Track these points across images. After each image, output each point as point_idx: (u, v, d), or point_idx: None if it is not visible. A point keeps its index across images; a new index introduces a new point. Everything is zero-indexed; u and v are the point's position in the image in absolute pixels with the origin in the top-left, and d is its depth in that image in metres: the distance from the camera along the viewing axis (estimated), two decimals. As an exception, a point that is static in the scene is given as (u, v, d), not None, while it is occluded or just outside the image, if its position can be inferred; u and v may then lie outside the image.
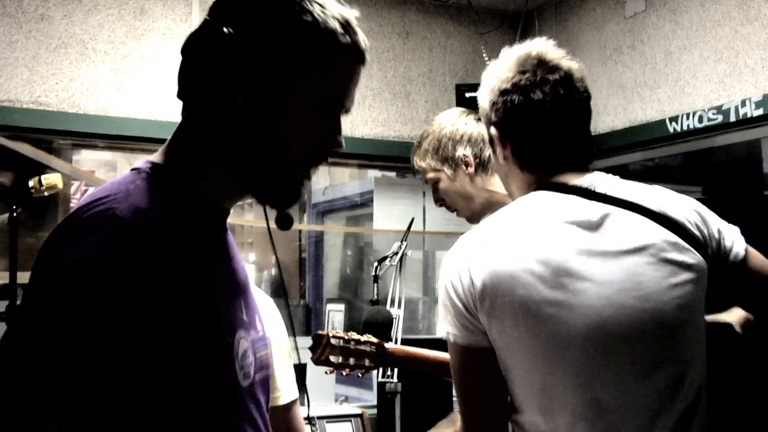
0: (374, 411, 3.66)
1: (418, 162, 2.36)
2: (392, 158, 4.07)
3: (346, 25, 1.26)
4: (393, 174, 4.53)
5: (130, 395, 1.11)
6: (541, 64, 1.69)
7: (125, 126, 3.50)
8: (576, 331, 1.56)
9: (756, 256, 1.74)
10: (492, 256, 1.60)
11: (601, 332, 1.57)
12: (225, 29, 1.21)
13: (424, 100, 4.10)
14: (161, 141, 3.50)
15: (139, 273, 1.10)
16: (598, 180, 1.69)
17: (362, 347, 2.38)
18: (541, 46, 1.73)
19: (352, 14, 1.28)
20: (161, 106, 3.53)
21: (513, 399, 1.64)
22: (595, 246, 1.61)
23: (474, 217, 2.36)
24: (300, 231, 5.70)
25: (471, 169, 2.21)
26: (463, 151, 2.22)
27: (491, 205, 2.35)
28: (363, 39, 1.29)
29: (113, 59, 3.47)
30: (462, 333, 1.64)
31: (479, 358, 1.64)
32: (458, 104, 3.65)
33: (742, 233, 1.73)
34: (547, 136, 1.70)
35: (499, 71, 1.73)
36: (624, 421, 1.57)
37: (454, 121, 2.26)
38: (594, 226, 1.63)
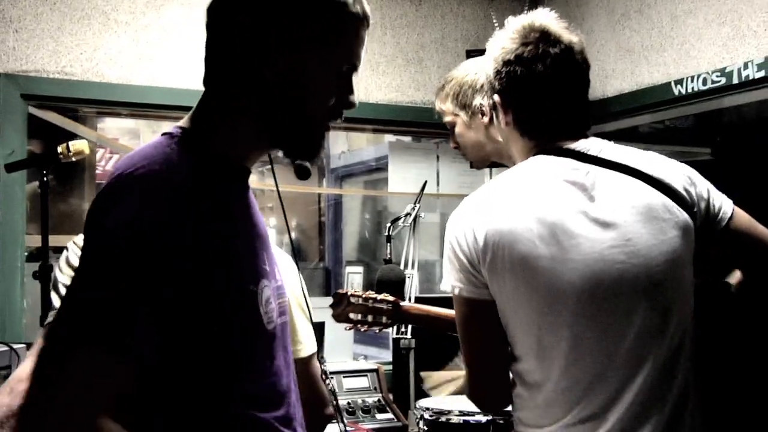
0: (389, 367, 3.78)
1: (439, 104, 2.42)
2: (406, 123, 4.12)
3: None
4: (408, 138, 4.59)
5: (167, 334, 1.23)
6: (544, 37, 1.78)
7: (147, 94, 3.57)
8: (569, 283, 1.66)
9: (743, 216, 1.83)
10: (494, 215, 1.70)
11: (592, 285, 1.66)
12: (245, 3, 1.34)
13: (436, 66, 4.13)
14: (181, 108, 3.62)
15: (179, 226, 1.23)
16: (592, 144, 1.79)
17: (379, 305, 2.48)
18: (544, 18, 1.82)
19: None
20: (181, 74, 3.60)
21: (512, 348, 1.75)
22: (588, 205, 1.70)
23: (478, 163, 2.45)
24: (319, 195, 5.79)
25: (486, 119, 2.26)
26: (480, 101, 2.27)
27: (498, 157, 2.42)
28: (367, 5, 1.41)
29: (134, 29, 3.54)
30: (466, 286, 1.75)
31: (482, 310, 1.75)
32: (468, 70, 3.73)
33: (750, 194, 1.83)
34: (547, 106, 1.80)
35: (503, 42, 1.82)
36: (611, 366, 1.66)
37: (477, 70, 2.29)
38: (588, 187, 1.72)
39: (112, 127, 4.62)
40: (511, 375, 1.79)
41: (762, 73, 3.05)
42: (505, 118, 1.84)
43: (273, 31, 1.33)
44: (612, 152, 1.78)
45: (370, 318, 2.48)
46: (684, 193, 1.75)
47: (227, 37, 1.37)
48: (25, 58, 3.35)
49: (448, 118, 2.40)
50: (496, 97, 1.84)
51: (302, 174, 1.47)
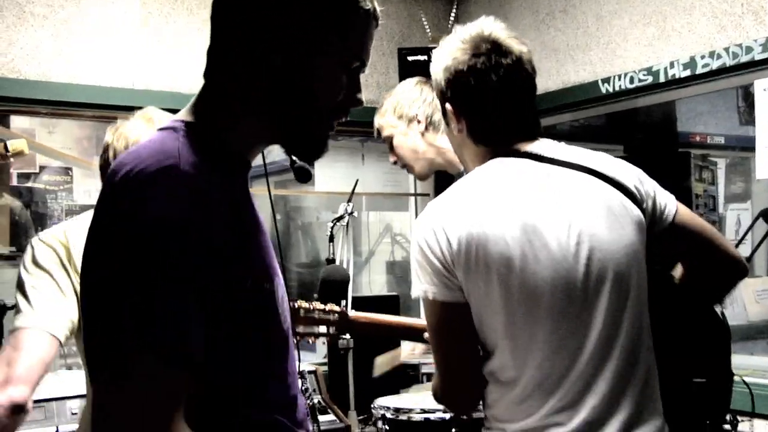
0: (325, 368, 3.79)
1: (378, 120, 2.56)
2: None
3: None
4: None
5: (201, 335, 1.18)
6: (495, 48, 1.82)
7: (67, 92, 3.47)
8: (542, 280, 1.70)
9: (686, 212, 1.92)
10: (465, 217, 1.72)
11: (563, 280, 1.70)
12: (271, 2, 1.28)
13: None
14: (103, 107, 3.48)
15: (207, 222, 1.18)
16: (547, 146, 1.84)
17: (326, 316, 2.45)
18: (494, 28, 1.85)
19: None
20: (103, 71, 3.51)
21: (485, 347, 1.77)
22: (553, 205, 1.74)
23: (423, 175, 2.57)
24: (270, 192, 5.69)
25: (422, 126, 2.42)
26: (415, 111, 2.45)
27: (440, 164, 2.56)
28: (377, 3, 1.39)
29: (52, 23, 3.43)
30: (440, 290, 1.75)
31: (456, 313, 1.76)
32: (401, 67, 3.75)
33: (664, 187, 1.91)
34: (500, 114, 1.84)
35: (455, 52, 1.84)
36: (583, 357, 1.71)
37: (411, 87, 2.52)
38: (550, 187, 1.76)
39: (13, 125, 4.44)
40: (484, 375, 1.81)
41: (687, 72, 3.20)
42: (458, 126, 1.87)
43: (286, 21, 1.30)
44: (566, 153, 1.84)
45: (317, 330, 2.46)
46: (635, 191, 1.81)
47: (237, 27, 1.33)
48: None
49: (386, 133, 2.53)
50: (449, 106, 1.86)
51: (303, 176, 1.44)
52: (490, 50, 1.81)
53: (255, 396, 1.34)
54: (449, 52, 1.86)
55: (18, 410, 1.80)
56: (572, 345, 1.71)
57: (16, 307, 1.95)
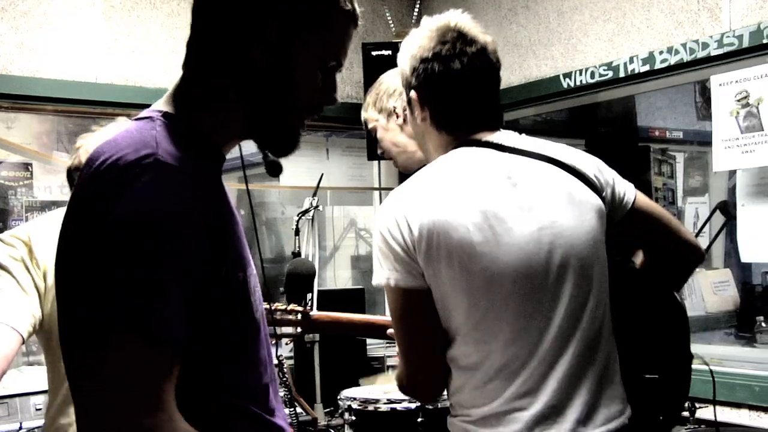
0: (291, 361, 3.78)
1: (363, 114, 2.53)
2: None
3: None
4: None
5: (183, 318, 1.19)
6: (461, 36, 1.85)
7: (28, 85, 3.45)
8: (505, 265, 1.73)
9: (644, 200, 1.96)
10: (426, 205, 1.75)
11: (525, 265, 1.74)
12: None
13: None
14: (65, 101, 3.47)
15: (189, 210, 1.20)
16: (508, 136, 1.87)
17: (289, 316, 2.45)
18: (461, 19, 1.89)
19: None
20: (65, 65, 3.49)
21: (447, 333, 1.79)
22: (514, 192, 1.77)
23: (405, 167, 2.51)
24: (246, 183, 5.67)
25: (400, 120, 2.40)
26: (394, 104, 2.41)
27: (422, 159, 2.56)
28: (357, 4, 1.40)
29: (12, 16, 3.41)
30: (403, 276, 1.76)
31: (419, 299, 1.78)
32: (365, 62, 3.78)
33: (624, 178, 1.96)
34: (463, 102, 1.87)
35: (421, 40, 1.87)
36: (544, 342, 1.74)
37: (390, 78, 2.45)
38: (512, 176, 1.79)
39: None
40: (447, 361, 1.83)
41: (646, 67, 3.28)
42: (421, 114, 1.90)
43: (265, 17, 1.32)
44: (527, 143, 1.87)
45: (279, 330, 2.50)
46: (594, 179, 1.85)
47: (217, 20, 1.34)
48: None
49: (370, 125, 2.53)
50: (413, 93, 1.89)
51: (274, 170, 1.45)
52: (455, 38, 1.84)
53: (225, 382, 1.35)
54: (416, 40, 1.88)
55: None
56: (534, 330, 1.74)
57: None
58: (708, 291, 4.39)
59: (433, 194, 1.77)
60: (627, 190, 1.93)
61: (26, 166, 4.51)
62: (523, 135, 1.91)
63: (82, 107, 3.65)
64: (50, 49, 3.48)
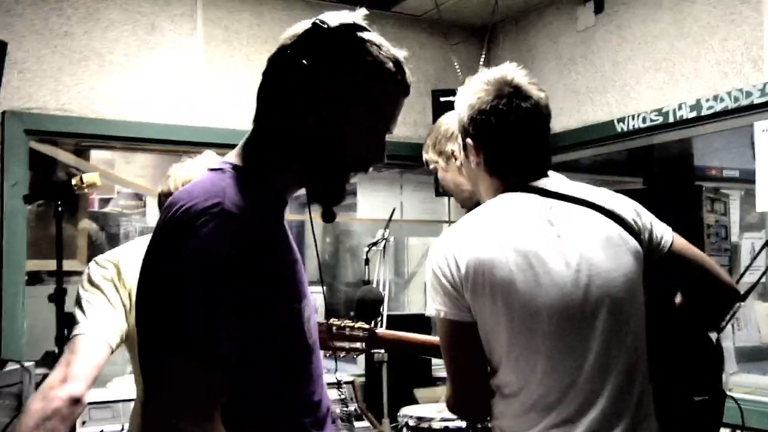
0: (362, 379, 3.84)
1: (425, 155, 2.55)
2: None
3: (397, 64, 1.43)
4: (371, 169, 4.70)
5: (236, 345, 1.28)
6: (516, 92, 1.85)
7: (140, 129, 3.63)
8: (543, 304, 1.73)
9: (681, 242, 1.93)
10: (473, 245, 1.77)
11: (562, 305, 1.74)
12: (303, 61, 1.38)
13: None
14: (169, 142, 3.62)
15: (245, 252, 1.29)
16: (553, 182, 1.88)
17: (356, 332, 2.54)
18: (517, 74, 1.89)
19: (401, 54, 1.45)
20: (169, 111, 3.67)
21: (491, 363, 1.81)
22: (555, 235, 1.78)
23: (464, 203, 2.50)
24: (311, 221, 5.81)
25: (458, 162, 2.38)
26: (452, 147, 2.41)
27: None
28: (409, 75, 1.46)
29: (128, 70, 3.61)
30: (451, 310, 1.79)
31: (464, 331, 1.80)
32: (434, 107, 3.87)
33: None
34: (515, 151, 1.88)
35: (479, 92, 1.88)
36: (582, 376, 1.74)
37: (448, 121, 2.44)
38: (553, 219, 1.80)
39: (93, 157, 4.65)
40: (491, 388, 1.84)
41: (694, 114, 3.27)
42: (476, 159, 1.91)
43: (323, 85, 1.38)
44: (570, 188, 1.88)
45: (347, 345, 2.54)
46: (632, 223, 1.84)
47: (281, 87, 1.42)
48: (28, 97, 3.39)
49: (432, 166, 2.53)
50: (469, 141, 1.91)
51: (329, 217, 1.51)
52: (511, 94, 1.85)
53: (279, 398, 1.40)
54: (474, 91, 1.89)
55: (75, 402, 1.91)
56: (571, 364, 1.74)
57: (73, 319, 2.06)
58: (763, 322, 4.29)
59: (480, 235, 1.79)
60: (665, 233, 1.91)
61: (139, 197, 4.75)
62: (568, 180, 1.91)
63: (184, 147, 3.80)
64: (157, 98, 3.67)
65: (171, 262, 1.30)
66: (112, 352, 2.07)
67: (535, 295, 1.74)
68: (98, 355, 2.01)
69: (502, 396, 1.80)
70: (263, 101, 1.46)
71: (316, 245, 1.76)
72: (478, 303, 1.77)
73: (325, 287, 5.27)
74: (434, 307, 1.83)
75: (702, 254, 2.00)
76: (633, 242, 1.83)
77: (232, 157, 1.46)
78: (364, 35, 1.42)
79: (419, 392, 3.10)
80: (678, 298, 2.05)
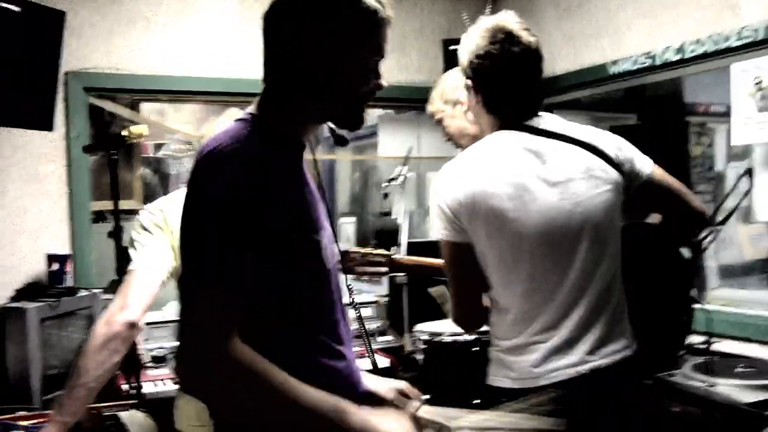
0: (386, 299, 3.96)
1: (429, 108, 2.63)
2: (391, 99, 4.24)
3: (379, 1, 1.48)
4: (392, 111, 4.76)
5: (256, 274, 1.36)
6: (508, 37, 1.90)
7: (182, 83, 3.71)
8: (530, 228, 1.82)
9: (659, 171, 2.00)
10: (471, 178, 1.85)
11: (547, 229, 1.82)
12: (313, 26, 1.43)
13: (416, 52, 4.27)
14: (210, 93, 3.71)
15: (262, 188, 1.34)
16: (544, 120, 1.94)
17: (377, 259, 2.65)
18: (510, 21, 1.94)
19: None
20: (210, 65, 3.74)
21: (487, 280, 1.90)
22: (541, 168, 1.85)
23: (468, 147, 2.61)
24: (315, 161, 5.93)
25: (464, 107, 2.43)
26: (458, 95, 2.47)
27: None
28: (388, 8, 1.50)
29: (171, 29, 3.67)
30: (451, 233, 1.89)
31: (463, 251, 1.89)
32: (444, 56, 3.90)
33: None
34: (508, 92, 1.94)
35: (477, 38, 1.94)
36: (561, 292, 1.83)
37: (453, 75, 2.53)
38: (541, 154, 1.87)
39: (144, 108, 4.77)
40: (488, 301, 1.95)
41: (678, 56, 3.27)
42: (476, 98, 1.98)
43: (324, 40, 1.43)
44: (558, 126, 1.93)
45: (369, 270, 2.65)
46: (614, 156, 1.91)
47: (285, 45, 1.46)
48: (85, 58, 3.48)
49: (437, 117, 2.61)
50: (469, 82, 1.97)
51: (342, 142, 1.61)
52: (503, 39, 1.89)
53: (301, 316, 1.47)
54: (472, 38, 1.95)
55: (132, 327, 2.05)
56: (552, 281, 1.82)
57: (129, 258, 2.20)
58: (745, 242, 4.35)
59: (477, 169, 1.87)
60: (644, 165, 1.97)
61: (188, 141, 4.88)
62: (558, 118, 1.95)
63: (224, 97, 3.90)
64: (198, 54, 3.73)
65: (195, 202, 1.38)
66: (163, 284, 2.19)
67: (523, 222, 1.81)
68: (151, 286, 2.13)
69: (496, 309, 1.90)
70: (270, 59, 1.52)
71: (320, 179, 1.79)
72: (474, 228, 1.85)
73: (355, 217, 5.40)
74: (438, 231, 1.92)
75: (678, 183, 2.06)
76: (613, 173, 1.89)
77: (253, 107, 1.53)
78: None
79: (432, 289, 3.14)
80: (654, 218, 2.13)
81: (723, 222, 2.52)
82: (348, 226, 5.17)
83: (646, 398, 2.02)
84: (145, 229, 2.25)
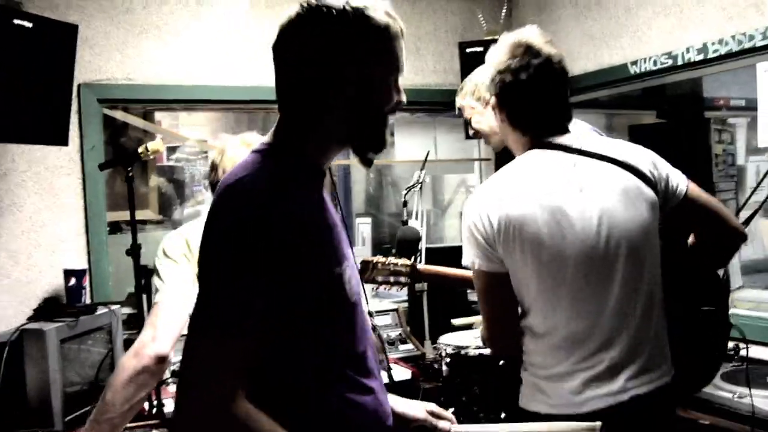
0: (405, 305, 3.92)
1: (459, 101, 2.54)
2: (407, 102, 4.19)
3: (389, 15, 1.43)
4: (407, 114, 4.70)
5: (277, 311, 1.30)
6: (528, 50, 1.86)
7: (197, 92, 3.67)
8: (568, 255, 1.77)
9: (695, 189, 1.94)
10: (504, 202, 1.80)
11: (585, 254, 1.77)
12: (327, 54, 1.37)
13: (431, 54, 4.21)
14: (222, 101, 3.66)
15: (276, 230, 1.28)
16: (576, 138, 1.88)
17: (399, 268, 2.60)
18: (530, 34, 1.90)
19: (387, 4, 1.44)
20: (222, 73, 3.69)
21: (522, 306, 1.86)
22: (578, 190, 1.80)
23: (496, 146, 2.52)
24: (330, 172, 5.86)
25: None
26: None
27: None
28: (399, 22, 1.44)
29: (183, 39, 3.62)
30: (484, 262, 1.84)
31: (496, 280, 1.85)
32: (461, 59, 3.83)
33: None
34: (531, 106, 1.89)
35: (498, 54, 1.91)
36: (603, 317, 1.78)
37: (484, 72, 2.45)
38: (576, 176, 1.82)
39: (156, 112, 4.72)
40: (522, 328, 1.89)
41: (701, 56, 3.20)
42: (500, 115, 1.94)
43: (337, 61, 1.37)
44: (590, 144, 1.87)
45: (392, 279, 2.61)
46: (649, 174, 1.85)
47: (298, 71, 1.41)
48: (98, 69, 3.44)
49: (467, 112, 2.52)
50: (493, 99, 1.93)
51: (369, 164, 1.51)
52: (523, 53, 1.85)
53: (324, 354, 1.41)
54: (495, 54, 1.92)
55: (162, 361, 2.01)
56: (594, 308, 1.78)
57: (154, 288, 2.14)
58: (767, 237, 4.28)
59: (510, 193, 1.81)
60: (680, 182, 1.91)
61: (202, 143, 4.84)
62: (588, 135, 1.90)
63: (236, 105, 3.88)
64: (210, 63, 3.68)
65: (209, 243, 1.32)
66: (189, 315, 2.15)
67: (561, 248, 1.77)
68: (179, 318, 2.08)
69: (532, 335, 1.85)
70: (282, 83, 1.46)
71: (334, 186, 1.73)
72: (509, 255, 1.81)
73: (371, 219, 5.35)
74: (469, 258, 1.87)
75: (714, 200, 2.01)
76: (649, 192, 1.83)
77: (269, 137, 1.47)
78: (354, 3, 1.41)
79: (456, 321, 3.15)
80: (690, 239, 2.06)
81: (747, 222, 2.46)
82: (364, 226, 5.13)
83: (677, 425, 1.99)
84: (168, 257, 2.20)
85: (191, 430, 1.23)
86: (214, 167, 2.27)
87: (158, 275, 2.18)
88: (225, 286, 1.26)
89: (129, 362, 2.01)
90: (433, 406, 1.73)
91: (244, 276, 1.25)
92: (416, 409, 1.70)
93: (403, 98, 1.47)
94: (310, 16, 1.40)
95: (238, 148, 2.23)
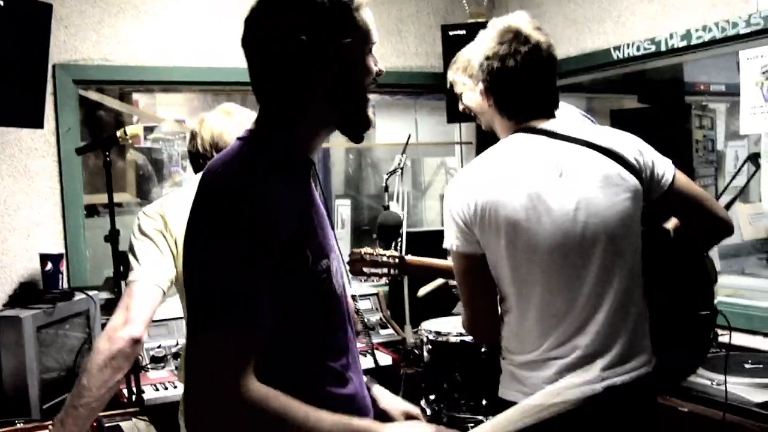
0: (386, 289, 3.91)
1: (451, 75, 2.47)
2: (388, 84, 4.13)
3: None
4: (388, 97, 4.66)
5: (275, 302, 1.28)
6: (516, 37, 1.84)
7: (175, 73, 3.61)
8: (543, 240, 1.76)
9: (682, 179, 1.91)
10: (484, 186, 1.80)
11: (561, 241, 1.76)
12: (301, 37, 1.33)
13: (413, 37, 4.16)
14: (199, 83, 3.59)
15: (266, 222, 1.26)
16: (561, 124, 1.87)
17: (387, 260, 2.57)
18: (518, 20, 1.88)
19: None
20: (201, 55, 3.64)
21: (500, 292, 1.86)
22: (558, 176, 1.78)
23: (487, 126, 2.40)
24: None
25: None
26: None
27: None
28: None
29: (161, 19, 3.55)
30: (463, 244, 1.84)
31: (475, 262, 1.85)
32: (444, 42, 3.79)
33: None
34: (519, 93, 1.87)
35: (486, 40, 1.89)
36: (576, 305, 1.78)
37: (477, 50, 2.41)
38: (558, 161, 1.80)
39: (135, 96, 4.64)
40: (500, 311, 1.90)
41: (684, 43, 3.19)
42: (488, 101, 1.92)
43: (307, 40, 1.34)
44: (575, 130, 1.85)
45: (379, 271, 2.58)
46: (634, 162, 1.83)
47: (270, 56, 1.37)
48: (74, 50, 3.36)
49: (458, 87, 2.46)
50: (481, 85, 1.91)
51: (360, 140, 1.48)
52: (511, 39, 1.84)
53: (307, 346, 1.41)
54: (483, 40, 1.90)
55: (135, 343, 1.95)
56: (566, 294, 1.77)
57: (129, 266, 2.07)
58: (744, 221, 4.30)
59: (490, 177, 1.81)
60: (666, 171, 1.88)
61: (180, 124, 4.77)
62: (573, 121, 1.89)
63: (215, 87, 3.83)
64: (186, 44, 3.62)
65: (202, 235, 1.30)
66: (164, 294, 2.09)
67: (537, 233, 1.76)
68: (152, 299, 2.03)
69: (508, 320, 1.86)
70: (256, 72, 1.42)
71: (327, 206, 1.75)
72: (485, 238, 1.81)
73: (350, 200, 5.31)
74: (449, 241, 1.87)
75: (701, 191, 1.99)
76: (632, 180, 1.81)
77: (252, 125, 1.43)
78: None
79: (421, 291, 3.05)
80: (670, 225, 2.05)
81: (728, 207, 2.48)
82: (344, 208, 5.09)
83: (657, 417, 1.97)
84: (144, 234, 2.14)
85: (206, 413, 1.22)
86: (193, 136, 2.21)
87: (133, 254, 2.11)
88: (229, 279, 1.24)
89: (103, 346, 1.96)
90: (415, 412, 1.68)
91: (248, 267, 1.24)
92: (397, 410, 1.67)
93: (382, 68, 1.44)
94: (273, 1, 1.37)
95: (217, 115, 2.18)
